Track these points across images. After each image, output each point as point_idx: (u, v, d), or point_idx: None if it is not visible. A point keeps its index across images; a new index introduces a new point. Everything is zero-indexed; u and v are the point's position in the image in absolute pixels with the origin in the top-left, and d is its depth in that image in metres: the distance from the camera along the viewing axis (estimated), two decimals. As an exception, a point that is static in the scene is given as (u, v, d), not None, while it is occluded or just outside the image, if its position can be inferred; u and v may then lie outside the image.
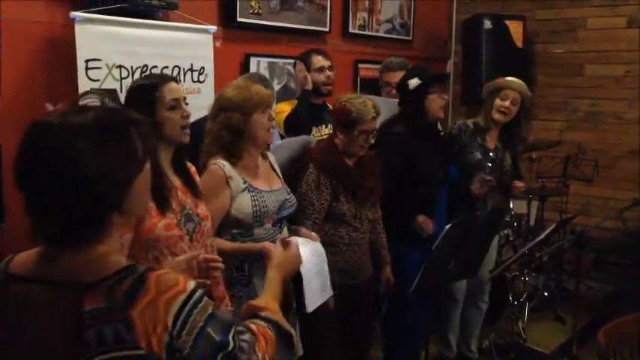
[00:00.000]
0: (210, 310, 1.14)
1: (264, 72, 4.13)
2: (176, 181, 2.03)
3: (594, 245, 4.78)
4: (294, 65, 3.60)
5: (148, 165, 1.20)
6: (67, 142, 1.07)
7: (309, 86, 3.42)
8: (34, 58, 3.08)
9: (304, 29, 4.44)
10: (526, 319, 4.21)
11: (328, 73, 3.46)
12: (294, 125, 3.28)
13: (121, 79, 3.10)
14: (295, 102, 3.43)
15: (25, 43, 3.04)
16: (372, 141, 2.77)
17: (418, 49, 5.54)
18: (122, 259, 1.14)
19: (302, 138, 3.05)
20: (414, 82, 3.09)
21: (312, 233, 2.43)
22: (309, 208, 2.63)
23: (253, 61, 4.14)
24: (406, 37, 5.48)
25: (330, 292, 2.36)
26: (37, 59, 3.09)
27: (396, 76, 3.56)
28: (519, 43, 5.23)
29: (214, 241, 2.17)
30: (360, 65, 5.00)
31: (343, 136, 2.71)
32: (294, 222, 2.55)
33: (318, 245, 2.32)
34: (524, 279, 4.30)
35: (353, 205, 2.72)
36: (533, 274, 4.61)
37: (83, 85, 2.93)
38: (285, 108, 3.39)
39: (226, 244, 2.28)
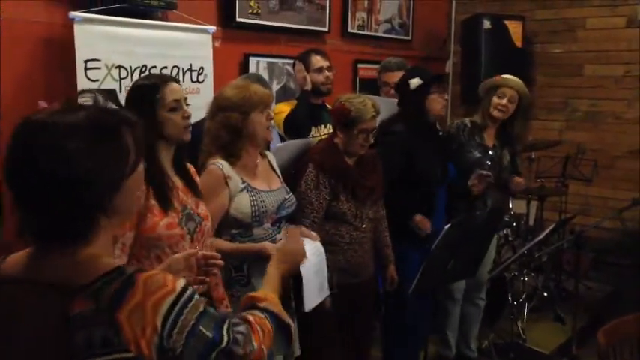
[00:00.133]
0: (201, 308, 1.13)
1: (263, 72, 4.13)
2: (177, 182, 2.03)
3: (593, 245, 4.78)
4: (293, 65, 3.60)
5: (141, 168, 1.17)
6: (57, 140, 1.06)
7: (308, 86, 3.41)
8: (33, 58, 3.08)
9: (303, 29, 4.44)
10: (525, 319, 4.21)
11: (327, 73, 3.45)
12: (293, 125, 3.28)
13: (120, 79, 3.10)
14: (294, 102, 3.43)
15: (24, 43, 3.04)
16: (372, 140, 2.77)
17: (417, 49, 5.54)
18: (112, 261, 1.12)
19: (303, 141, 3.05)
20: (415, 82, 3.09)
21: (312, 232, 2.43)
22: (307, 207, 2.63)
23: (252, 61, 4.14)
24: (405, 37, 5.48)
25: (327, 292, 2.36)
26: (36, 59, 3.09)
27: (395, 76, 3.56)
28: (518, 43, 5.22)
29: (213, 242, 2.17)
30: (360, 65, 5.00)
31: (343, 135, 2.71)
32: (294, 221, 2.55)
33: (318, 244, 2.32)
34: (524, 279, 4.30)
35: (353, 204, 2.72)
36: (533, 274, 4.61)
37: (82, 85, 2.93)
38: (284, 108, 3.38)
39: (225, 244, 2.28)
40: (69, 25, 2.95)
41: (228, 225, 2.31)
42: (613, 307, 4.15)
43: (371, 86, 4.08)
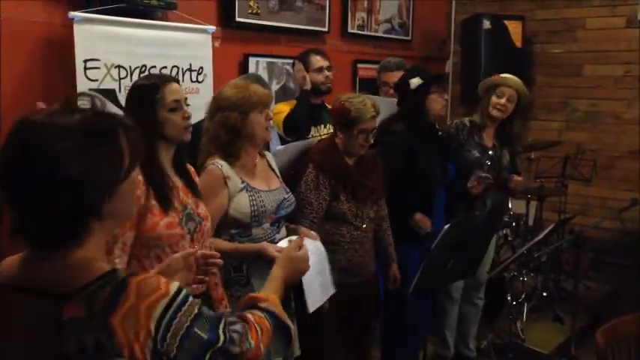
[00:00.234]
0: (196, 310, 1.12)
1: (263, 72, 4.13)
2: (177, 182, 2.03)
3: (593, 245, 4.77)
4: (293, 65, 3.60)
5: (136, 173, 1.17)
6: (47, 141, 1.05)
7: (308, 86, 3.41)
8: (32, 58, 3.08)
9: (303, 29, 4.44)
10: (524, 319, 4.21)
11: (327, 73, 3.45)
12: (292, 125, 3.28)
13: (120, 79, 3.09)
14: (294, 102, 3.43)
15: (24, 43, 3.03)
16: (372, 140, 2.77)
17: (417, 49, 5.54)
18: (105, 265, 1.11)
19: (303, 143, 3.05)
20: (415, 82, 3.09)
21: (312, 232, 2.44)
22: (307, 207, 2.63)
23: (252, 61, 4.13)
24: (405, 37, 5.48)
25: (332, 290, 2.36)
26: (36, 59, 3.08)
27: (394, 76, 3.57)
28: (518, 43, 5.22)
29: (213, 242, 2.17)
30: (359, 65, 5.00)
31: (343, 135, 2.71)
32: (293, 221, 2.56)
33: (318, 244, 2.32)
34: (523, 279, 4.30)
35: (353, 204, 2.72)
36: (532, 274, 4.61)
37: (82, 85, 2.93)
38: (283, 108, 3.39)
39: (225, 244, 2.28)
40: (68, 25, 2.95)
41: (227, 225, 2.31)
42: (612, 308, 4.16)
43: (370, 86, 4.08)
